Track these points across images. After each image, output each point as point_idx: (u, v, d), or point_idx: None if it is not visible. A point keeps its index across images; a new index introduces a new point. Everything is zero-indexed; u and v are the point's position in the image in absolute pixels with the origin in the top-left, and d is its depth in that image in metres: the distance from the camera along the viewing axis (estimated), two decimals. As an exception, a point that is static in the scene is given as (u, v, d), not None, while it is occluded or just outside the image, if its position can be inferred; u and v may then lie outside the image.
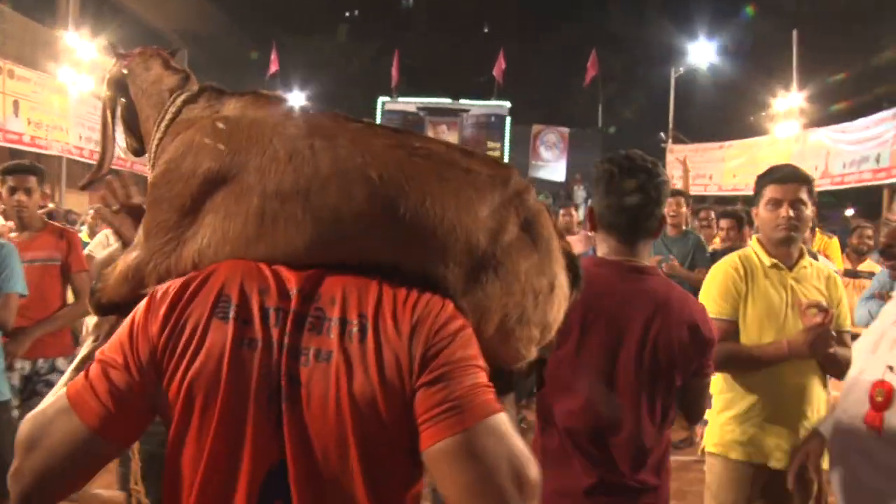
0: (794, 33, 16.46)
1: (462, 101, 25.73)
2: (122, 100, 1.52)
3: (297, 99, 25.99)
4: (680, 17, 22.77)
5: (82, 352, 1.35)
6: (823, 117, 15.74)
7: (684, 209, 6.41)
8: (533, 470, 1.07)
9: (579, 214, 11.26)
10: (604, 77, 24.58)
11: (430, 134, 24.80)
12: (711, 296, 2.98)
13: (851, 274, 6.35)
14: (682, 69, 21.07)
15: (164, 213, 1.25)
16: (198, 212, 1.22)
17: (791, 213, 2.87)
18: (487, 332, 1.18)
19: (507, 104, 25.46)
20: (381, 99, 25.29)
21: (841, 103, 16.10)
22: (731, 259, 3.04)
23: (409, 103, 25.49)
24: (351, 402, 1.06)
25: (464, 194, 1.18)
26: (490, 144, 25.02)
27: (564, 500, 2.10)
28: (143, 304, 1.16)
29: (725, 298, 2.95)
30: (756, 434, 2.89)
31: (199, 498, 1.09)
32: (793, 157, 16.24)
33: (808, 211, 2.91)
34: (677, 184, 20.36)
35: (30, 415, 1.14)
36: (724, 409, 3.02)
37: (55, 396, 1.16)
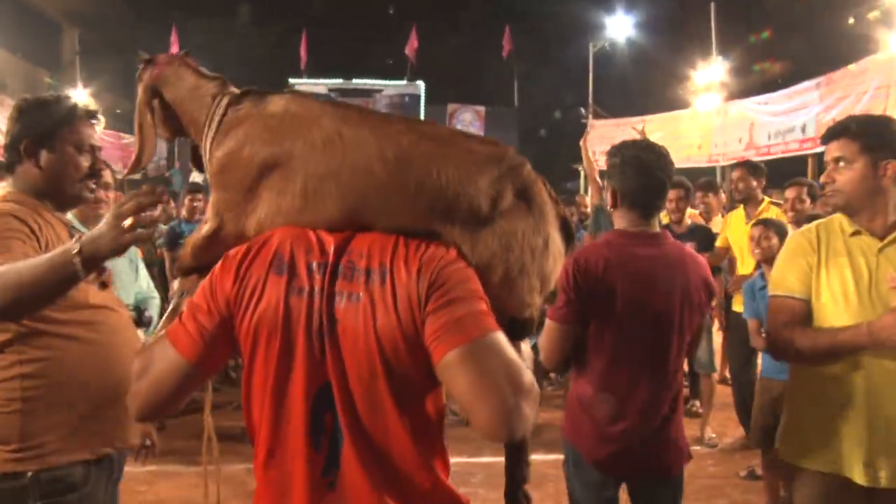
0: (713, 6, 16.35)
1: (375, 81, 24.92)
2: (156, 101, 1.72)
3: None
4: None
5: (172, 305, 1.65)
6: (745, 89, 15.66)
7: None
8: (527, 376, 1.28)
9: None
10: (519, 54, 24.19)
11: (343, 116, 24.31)
12: (779, 270, 2.47)
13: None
14: (600, 44, 20.82)
15: (230, 193, 1.52)
16: (256, 190, 1.49)
17: (828, 176, 2.37)
18: (493, 281, 1.41)
19: (421, 84, 24.78)
20: (290, 80, 24.19)
21: (764, 64, 16.03)
22: (809, 226, 2.50)
23: (319, 84, 24.51)
24: (375, 333, 1.33)
25: (465, 168, 1.41)
26: (405, 126, 24.33)
27: (607, 443, 2.47)
28: (219, 263, 1.46)
29: (793, 273, 2.41)
30: (835, 440, 2.34)
31: (269, 411, 1.40)
32: (715, 130, 16.23)
33: (853, 169, 2.32)
34: (599, 160, 20.31)
35: (139, 351, 1.59)
36: (798, 410, 2.51)
37: (157, 337, 1.51)
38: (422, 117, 23.73)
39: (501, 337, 1.30)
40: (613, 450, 2.46)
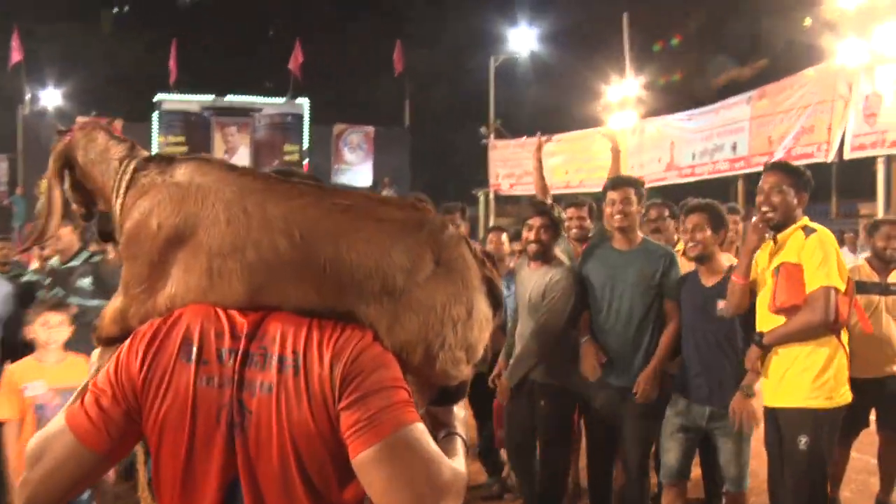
0: (625, 16, 15.31)
1: (254, 98, 22.74)
2: (67, 171, 1.67)
3: (51, 97, 21.74)
4: (496, 1, 21.21)
5: (86, 380, 1.49)
6: (664, 106, 14.60)
7: (635, 207, 4.10)
8: (445, 470, 1.25)
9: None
10: (411, 70, 22.66)
11: (218, 136, 22.26)
12: None
13: (882, 289, 4.51)
14: (501, 58, 19.47)
15: (138, 267, 1.47)
16: (165, 264, 1.44)
17: None
18: (414, 361, 1.37)
19: (306, 102, 22.83)
20: (158, 96, 21.68)
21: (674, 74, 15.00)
22: None
23: (191, 102, 22.10)
24: (290, 425, 1.28)
25: (378, 241, 1.36)
26: (287, 147, 22.41)
27: None
28: (126, 343, 1.39)
29: None
30: None
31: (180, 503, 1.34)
32: (631, 150, 15.10)
33: None
34: (502, 184, 18.88)
35: (36, 434, 1.40)
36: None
37: (56, 419, 1.38)
38: (306, 138, 22.20)
39: (419, 430, 1.27)
40: None
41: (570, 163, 16.25)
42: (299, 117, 22.80)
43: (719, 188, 12.95)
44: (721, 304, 3.68)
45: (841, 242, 10.70)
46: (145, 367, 1.33)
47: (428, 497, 1.21)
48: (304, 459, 1.28)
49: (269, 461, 1.28)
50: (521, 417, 4.20)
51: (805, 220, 3.44)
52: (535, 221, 4.16)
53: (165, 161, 1.51)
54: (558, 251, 4.33)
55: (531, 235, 4.15)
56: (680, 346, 3.94)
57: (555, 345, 4.09)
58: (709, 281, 3.79)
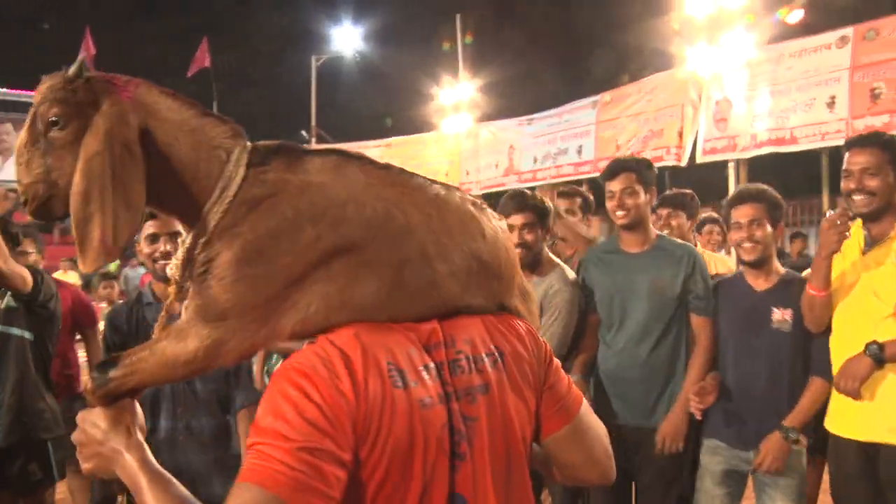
0: (458, 18, 14.90)
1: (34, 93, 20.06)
2: (120, 151, 1.13)
3: None
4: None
5: (133, 450, 1.19)
6: (501, 109, 14.29)
7: (643, 198, 3.20)
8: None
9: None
10: (221, 71, 21.01)
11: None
12: None
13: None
14: (323, 57, 18.42)
15: (260, 288, 1.16)
16: (304, 281, 1.17)
17: None
18: None
19: (98, 100, 20.46)
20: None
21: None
22: None
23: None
24: (517, 417, 1.25)
25: (508, 236, 1.36)
26: (76, 150, 19.87)
27: None
28: (309, 382, 1.10)
29: None
30: None
31: None
32: (465, 154, 14.69)
33: None
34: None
35: None
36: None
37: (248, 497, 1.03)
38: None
39: (586, 402, 1.38)
40: None
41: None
42: (90, 116, 20.41)
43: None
44: (778, 312, 2.92)
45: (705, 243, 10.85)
46: (362, 402, 1.10)
47: (609, 448, 1.37)
48: (527, 448, 1.29)
49: (497, 462, 1.23)
50: None
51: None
52: (517, 219, 3.15)
53: (294, 154, 1.20)
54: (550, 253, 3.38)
55: (514, 238, 3.09)
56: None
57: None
58: (761, 284, 2.99)
